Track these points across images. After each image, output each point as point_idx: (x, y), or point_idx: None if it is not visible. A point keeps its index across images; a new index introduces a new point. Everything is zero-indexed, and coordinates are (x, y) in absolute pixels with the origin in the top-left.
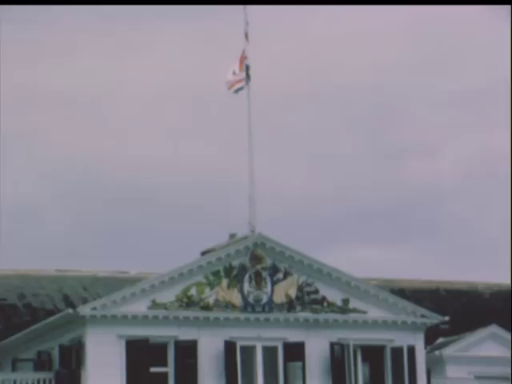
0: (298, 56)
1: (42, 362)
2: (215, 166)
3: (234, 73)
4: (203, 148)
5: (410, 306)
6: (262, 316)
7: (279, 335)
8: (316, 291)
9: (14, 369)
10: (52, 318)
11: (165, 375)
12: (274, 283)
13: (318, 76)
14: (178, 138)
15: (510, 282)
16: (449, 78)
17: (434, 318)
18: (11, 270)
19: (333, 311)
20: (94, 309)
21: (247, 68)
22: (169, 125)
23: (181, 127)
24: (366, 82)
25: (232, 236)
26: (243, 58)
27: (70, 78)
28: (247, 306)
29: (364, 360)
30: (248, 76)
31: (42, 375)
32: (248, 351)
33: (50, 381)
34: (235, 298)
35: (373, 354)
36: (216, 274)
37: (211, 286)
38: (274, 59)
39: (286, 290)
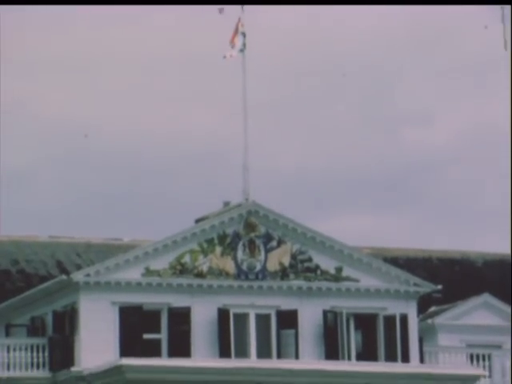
0: (294, 24)
1: (35, 328)
2: (210, 134)
3: (232, 43)
4: (198, 116)
5: (402, 274)
6: (255, 284)
7: (272, 303)
8: (309, 259)
9: (7, 334)
10: (45, 284)
11: (158, 342)
12: (267, 251)
13: (315, 45)
14: (172, 105)
15: (502, 251)
16: (446, 48)
17: (426, 287)
18: (4, 236)
19: (326, 279)
20: (88, 275)
21: (243, 36)
22: (162, 92)
23: (175, 95)
24: (363, 51)
25: (226, 204)
26: (239, 25)
27: (67, 44)
28: (241, 274)
29: (357, 328)
30: (244, 44)
31: (35, 341)
32: (241, 319)
33: (44, 346)
34: (229, 265)
35: (365, 322)
36: (210, 241)
37: (205, 253)
38: (270, 27)
39: (279, 257)
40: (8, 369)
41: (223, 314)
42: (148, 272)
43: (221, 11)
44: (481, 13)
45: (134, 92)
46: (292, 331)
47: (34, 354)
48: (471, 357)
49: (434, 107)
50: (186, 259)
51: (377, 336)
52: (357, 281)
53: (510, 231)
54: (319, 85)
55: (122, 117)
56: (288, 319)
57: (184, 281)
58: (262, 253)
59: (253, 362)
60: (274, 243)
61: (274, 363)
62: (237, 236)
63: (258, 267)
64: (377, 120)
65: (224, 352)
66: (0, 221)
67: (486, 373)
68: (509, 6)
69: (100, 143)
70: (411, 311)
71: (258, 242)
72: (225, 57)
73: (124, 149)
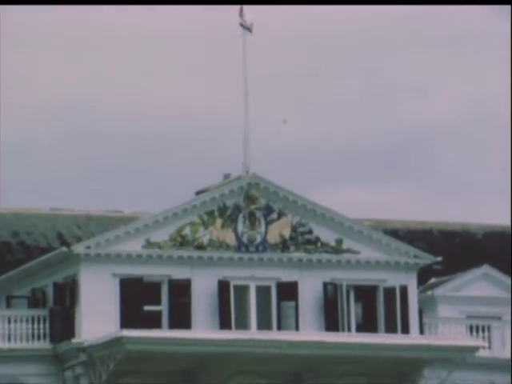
0: None
1: (36, 299)
2: (210, 106)
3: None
4: (199, 88)
5: (402, 246)
6: (255, 256)
7: (273, 275)
8: (310, 231)
9: (8, 306)
10: (46, 256)
11: (158, 314)
12: (267, 223)
13: (314, 19)
14: (172, 78)
15: (502, 222)
16: (446, 19)
17: (426, 259)
18: (5, 208)
19: (326, 251)
20: (88, 247)
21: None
22: (163, 65)
23: (177, 66)
24: (361, 24)
25: (226, 176)
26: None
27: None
28: (241, 246)
29: (357, 300)
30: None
31: (36, 312)
32: (241, 290)
33: (44, 318)
34: (229, 237)
35: (365, 294)
36: (210, 213)
37: (205, 225)
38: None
39: (279, 230)
40: (9, 340)
41: (223, 286)
42: (148, 244)
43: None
44: None
45: (134, 65)
46: (292, 303)
47: (35, 325)
48: (471, 328)
49: (434, 79)
50: (187, 231)
51: (377, 308)
52: (357, 253)
53: (510, 203)
54: (319, 58)
55: (122, 90)
56: (288, 291)
57: (184, 253)
58: (263, 225)
59: (253, 333)
60: (275, 215)
61: (274, 335)
62: (237, 208)
63: (259, 239)
64: (376, 93)
65: (224, 324)
66: (0, 193)
67: (486, 344)
68: (509, 6)
69: (101, 116)
70: (411, 283)
71: (259, 214)
72: (242, 25)
73: (124, 122)
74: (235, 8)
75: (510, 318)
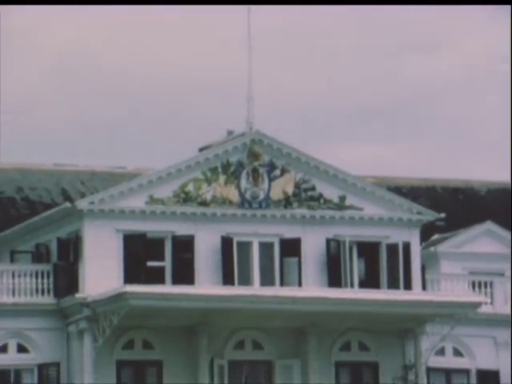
0: None
1: (39, 255)
2: (214, 63)
3: None
4: (202, 46)
5: (405, 202)
6: (258, 212)
7: (276, 231)
8: (313, 188)
9: (12, 260)
10: (50, 212)
11: (162, 269)
12: (271, 180)
13: None
14: (176, 36)
15: (505, 179)
16: None
17: (429, 215)
18: (9, 163)
19: (329, 208)
20: (92, 203)
21: None
22: (166, 23)
23: (179, 25)
24: None
25: (230, 133)
26: None
27: None
28: (244, 203)
29: (359, 256)
30: None
31: (40, 267)
32: (244, 247)
33: (48, 273)
34: (232, 194)
35: (368, 250)
36: (213, 170)
37: (208, 182)
38: None
39: (283, 186)
40: (13, 294)
41: (227, 242)
42: (152, 200)
43: None
44: None
45: (137, 23)
46: (295, 259)
47: (39, 280)
48: (473, 284)
49: (437, 36)
50: (190, 188)
51: (379, 264)
52: (360, 209)
53: (511, 160)
54: (322, 14)
55: (125, 47)
56: (291, 247)
57: (188, 209)
58: (266, 181)
59: (256, 289)
60: (278, 172)
61: (276, 291)
62: (240, 165)
63: (262, 196)
64: (379, 49)
65: (227, 280)
66: (5, 148)
67: (488, 300)
68: (509, 6)
69: (104, 72)
70: (414, 239)
71: (262, 170)
72: None
73: (128, 78)
74: None
75: (511, 274)
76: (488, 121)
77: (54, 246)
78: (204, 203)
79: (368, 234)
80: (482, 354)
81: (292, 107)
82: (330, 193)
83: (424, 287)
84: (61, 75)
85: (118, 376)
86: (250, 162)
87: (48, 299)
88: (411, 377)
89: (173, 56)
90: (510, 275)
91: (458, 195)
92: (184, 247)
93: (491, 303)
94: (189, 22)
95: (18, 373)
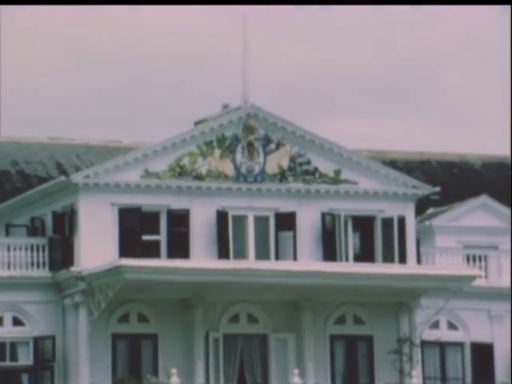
0: None
1: (35, 228)
2: (209, 37)
3: None
4: (197, 19)
5: (401, 176)
6: (254, 186)
7: (271, 205)
8: (308, 162)
9: (7, 234)
10: (45, 185)
11: (157, 243)
12: (266, 154)
13: None
14: (171, 8)
15: (500, 153)
16: None
17: (424, 189)
18: (3, 136)
19: (324, 182)
20: (87, 177)
21: None
22: None
23: None
24: None
25: (225, 107)
26: None
27: None
28: (239, 177)
29: (354, 230)
30: None
31: (35, 240)
32: (240, 221)
33: (43, 246)
34: (227, 168)
35: (363, 224)
36: (209, 144)
37: (204, 155)
38: None
39: (278, 160)
40: (8, 268)
41: (222, 216)
42: (147, 174)
43: None
44: None
45: None
46: (290, 233)
47: (34, 253)
48: (468, 258)
49: (435, 9)
50: (185, 161)
51: (374, 238)
52: (355, 183)
53: (510, 133)
54: None
55: (121, 21)
56: (286, 221)
57: (183, 183)
58: (261, 155)
59: (251, 263)
60: (273, 146)
61: (272, 264)
62: (236, 139)
63: (257, 170)
64: (376, 21)
65: (222, 253)
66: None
67: (483, 273)
68: (509, 6)
69: (100, 46)
70: (409, 213)
71: (257, 144)
72: None
73: (124, 52)
74: None
75: (506, 248)
76: (484, 94)
77: (49, 220)
78: (199, 177)
79: (363, 207)
80: (476, 328)
81: (287, 81)
82: (326, 167)
83: (419, 261)
84: (56, 49)
85: (114, 349)
86: (245, 136)
87: (43, 272)
88: (406, 350)
89: (168, 29)
90: (504, 249)
91: (453, 169)
92: (179, 221)
93: (486, 277)
94: None
95: (13, 345)
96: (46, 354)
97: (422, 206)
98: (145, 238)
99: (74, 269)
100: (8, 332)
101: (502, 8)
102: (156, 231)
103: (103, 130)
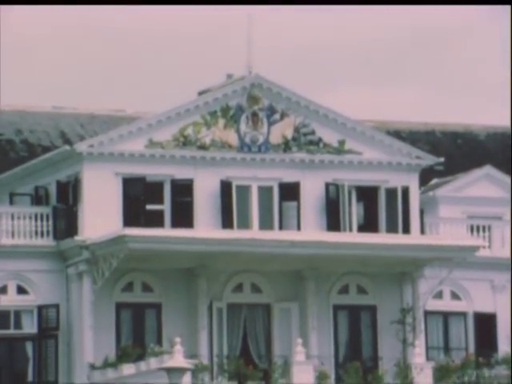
0: None
1: (39, 197)
2: (214, 6)
3: None
4: None
5: (405, 147)
6: (258, 156)
7: (275, 175)
8: (312, 132)
9: (11, 203)
10: (49, 154)
11: (161, 213)
12: (270, 124)
13: None
14: None
15: (504, 123)
16: None
17: (428, 159)
18: (7, 105)
19: (328, 152)
20: (91, 146)
21: None
22: None
23: None
24: None
25: (229, 76)
26: None
27: None
28: (243, 146)
29: (358, 200)
30: None
31: (39, 209)
32: (244, 191)
33: (48, 215)
34: (231, 138)
35: (367, 195)
36: (213, 114)
37: (208, 125)
38: None
39: (282, 130)
40: (12, 236)
41: (226, 186)
42: (151, 144)
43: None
44: None
45: None
46: (294, 203)
47: (38, 222)
48: (471, 228)
49: None
50: (189, 131)
51: (378, 208)
52: (359, 153)
53: (511, 104)
54: None
55: None
56: (290, 191)
57: (187, 153)
58: (265, 125)
59: (255, 233)
60: (277, 116)
61: (275, 234)
62: (240, 109)
63: (261, 140)
64: None
65: (226, 223)
66: (3, 90)
67: (486, 243)
68: (509, 6)
69: (103, 14)
70: (413, 184)
71: (261, 114)
72: None
73: (127, 21)
74: None
75: (510, 218)
76: (487, 65)
77: (53, 189)
78: (203, 147)
79: (367, 178)
80: (480, 297)
81: (292, 51)
82: (330, 137)
83: (422, 231)
84: (61, 18)
85: (118, 318)
86: (249, 106)
87: (47, 241)
88: (409, 320)
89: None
90: (507, 219)
91: (458, 139)
92: (183, 191)
93: (489, 247)
94: None
95: (17, 314)
96: (50, 323)
97: (426, 176)
98: (149, 207)
99: (78, 238)
100: (12, 300)
101: (502, 8)
102: (160, 201)
103: (108, 100)
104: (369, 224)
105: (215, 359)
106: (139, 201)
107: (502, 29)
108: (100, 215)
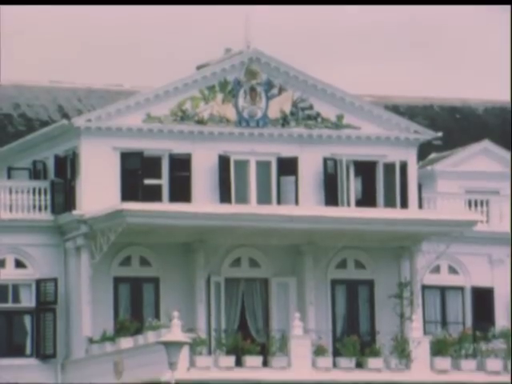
0: None
1: (37, 171)
2: None
3: None
4: None
5: (403, 121)
6: (256, 131)
7: (273, 150)
8: (310, 107)
9: (9, 177)
10: (47, 129)
11: (159, 187)
12: (268, 98)
13: None
14: None
15: (502, 98)
16: None
17: (426, 134)
18: (5, 80)
19: (327, 127)
20: (89, 120)
21: None
22: None
23: None
24: None
25: (227, 51)
26: None
27: None
28: (241, 121)
29: (356, 175)
30: None
31: (37, 184)
32: (242, 165)
33: (45, 189)
34: (230, 112)
35: (365, 169)
36: (211, 88)
37: (206, 100)
38: None
39: (280, 105)
40: (10, 210)
41: (224, 161)
42: (149, 118)
43: None
44: None
45: None
46: (292, 178)
47: (36, 196)
48: (469, 202)
49: None
50: (187, 106)
51: (376, 183)
52: (357, 128)
53: (510, 78)
54: None
55: None
56: (288, 166)
57: (185, 127)
58: (263, 100)
59: (253, 207)
60: (275, 91)
61: (273, 209)
62: (238, 83)
63: (259, 114)
64: None
65: (224, 198)
66: (1, 65)
67: (484, 218)
68: (509, 6)
69: None
70: (411, 158)
71: (260, 89)
72: None
73: None
74: None
75: (508, 193)
76: (486, 40)
77: (51, 163)
78: (201, 121)
79: (365, 152)
80: (477, 272)
81: (290, 26)
82: (328, 112)
83: (420, 206)
84: None
85: (115, 292)
86: (247, 81)
87: (45, 216)
88: (406, 294)
89: None
90: (505, 193)
91: (456, 114)
92: (181, 165)
93: (487, 221)
94: None
95: (15, 287)
96: (48, 297)
97: (424, 151)
98: (147, 182)
99: (75, 212)
100: (10, 274)
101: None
102: (158, 175)
103: (105, 74)
104: (367, 199)
105: (213, 333)
106: (137, 175)
107: (504, 10)
108: (98, 189)
